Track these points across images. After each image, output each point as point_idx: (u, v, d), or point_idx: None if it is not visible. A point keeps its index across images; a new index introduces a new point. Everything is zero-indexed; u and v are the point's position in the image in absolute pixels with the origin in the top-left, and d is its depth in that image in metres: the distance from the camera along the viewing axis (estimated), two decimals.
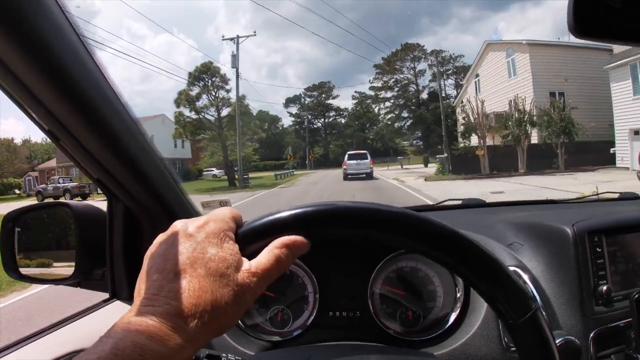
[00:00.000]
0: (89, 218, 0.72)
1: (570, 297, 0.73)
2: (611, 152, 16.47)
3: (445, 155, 19.73)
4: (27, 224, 0.75)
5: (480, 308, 0.73)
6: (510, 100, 19.05)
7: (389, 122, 54.09)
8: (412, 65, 52.25)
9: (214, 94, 25.40)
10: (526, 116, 17.62)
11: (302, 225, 0.35)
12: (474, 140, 19.83)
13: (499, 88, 22.90)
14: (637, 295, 0.65)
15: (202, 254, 0.31)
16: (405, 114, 53.55)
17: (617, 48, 15.16)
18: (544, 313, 0.67)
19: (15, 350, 0.59)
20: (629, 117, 15.55)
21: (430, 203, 3.32)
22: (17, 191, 31.22)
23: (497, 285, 0.36)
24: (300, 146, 52.14)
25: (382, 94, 54.00)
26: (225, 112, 25.73)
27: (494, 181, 14.51)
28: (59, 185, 22.31)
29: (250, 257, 0.33)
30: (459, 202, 1.45)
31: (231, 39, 24.58)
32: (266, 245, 0.34)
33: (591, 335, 0.70)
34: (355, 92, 66.23)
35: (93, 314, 0.71)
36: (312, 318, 0.79)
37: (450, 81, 50.14)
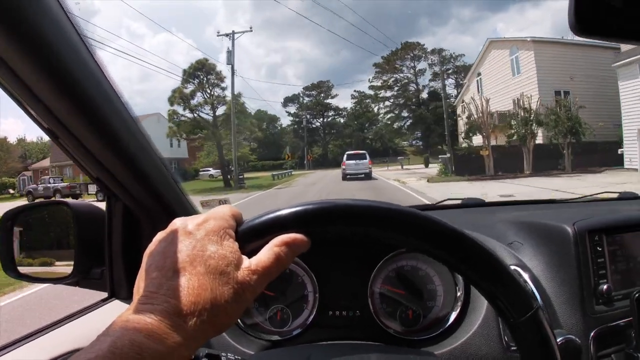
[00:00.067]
0: (88, 217, 0.72)
1: (570, 296, 0.73)
2: (619, 152, 16.02)
3: (448, 155, 19.21)
4: (25, 222, 0.75)
5: (481, 307, 0.73)
6: (515, 99, 18.45)
7: (389, 122, 53.74)
8: (412, 64, 52.14)
9: (209, 91, 24.84)
10: (532, 115, 17.13)
11: (302, 223, 0.34)
12: (476, 140, 19.43)
13: (502, 87, 22.31)
14: (637, 295, 0.65)
15: (201, 251, 0.31)
16: (405, 114, 53.30)
17: (625, 46, 14.64)
18: (544, 312, 0.67)
19: (14, 350, 0.59)
20: (637, 117, 14.88)
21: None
22: (11, 191, 30.92)
23: (499, 283, 0.36)
24: (299, 146, 51.91)
25: (382, 94, 53.80)
26: (220, 110, 25.13)
27: (499, 183, 14.01)
28: (49, 185, 21.99)
29: (250, 255, 0.33)
30: (459, 201, 1.45)
31: (227, 35, 24.15)
32: (266, 243, 0.34)
33: (592, 334, 0.70)
34: (355, 91, 66.10)
35: (91, 313, 0.71)
36: (311, 317, 0.79)
37: (451, 81, 50.02)
